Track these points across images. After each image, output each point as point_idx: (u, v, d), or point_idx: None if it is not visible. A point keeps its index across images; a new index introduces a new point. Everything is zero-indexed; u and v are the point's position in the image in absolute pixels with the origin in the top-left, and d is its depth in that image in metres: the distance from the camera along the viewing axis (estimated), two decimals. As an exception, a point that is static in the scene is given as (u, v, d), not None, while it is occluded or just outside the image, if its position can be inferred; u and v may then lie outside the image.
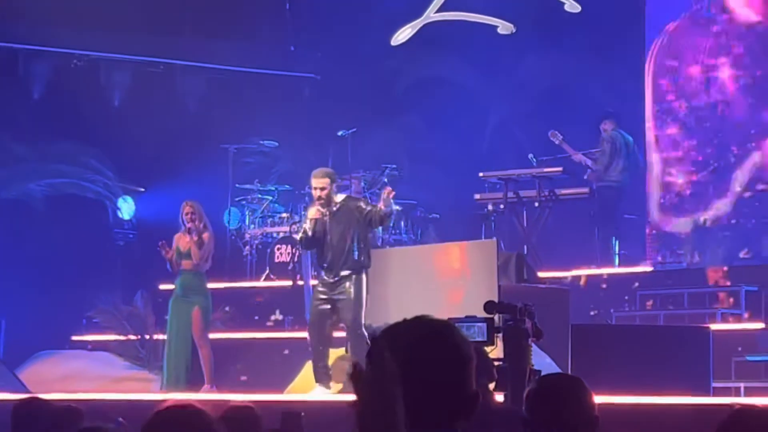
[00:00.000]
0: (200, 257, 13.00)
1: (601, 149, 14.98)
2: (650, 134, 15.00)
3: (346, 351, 12.14)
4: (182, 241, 13.04)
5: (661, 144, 14.85)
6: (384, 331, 2.87)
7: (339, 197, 12.06)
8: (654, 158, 14.90)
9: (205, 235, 13.07)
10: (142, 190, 17.22)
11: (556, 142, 15.15)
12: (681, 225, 14.51)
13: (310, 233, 11.95)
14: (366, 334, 11.72)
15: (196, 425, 3.34)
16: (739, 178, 14.02)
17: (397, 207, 15.19)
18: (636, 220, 15.11)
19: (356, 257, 11.82)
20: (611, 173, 14.84)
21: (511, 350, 7.49)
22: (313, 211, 12.09)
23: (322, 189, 11.92)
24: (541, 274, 13.33)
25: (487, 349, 7.47)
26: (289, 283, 14.99)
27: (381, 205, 11.75)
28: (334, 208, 11.91)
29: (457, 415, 2.80)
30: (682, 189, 14.57)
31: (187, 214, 13.06)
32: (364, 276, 11.85)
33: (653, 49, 15.05)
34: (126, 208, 17.22)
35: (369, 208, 11.85)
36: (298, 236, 12.30)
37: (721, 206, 14.16)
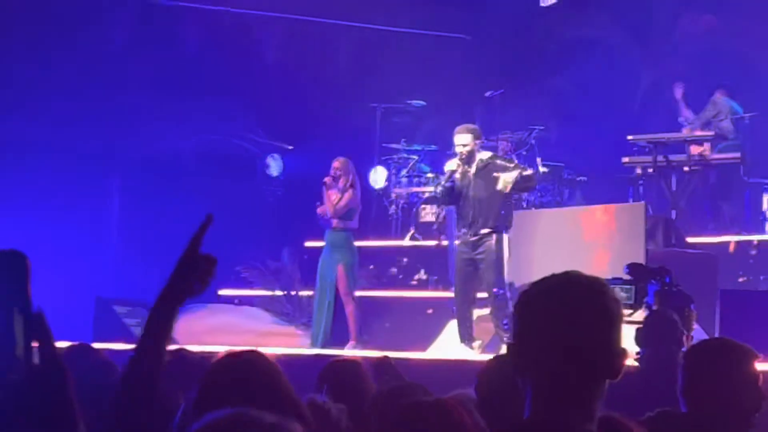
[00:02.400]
0: (334, 211, 13.11)
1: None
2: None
3: (491, 312, 12.13)
4: (330, 196, 13.20)
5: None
6: (534, 284, 2.86)
7: (484, 155, 12.01)
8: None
9: (347, 193, 13.16)
10: (291, 147, 17.39)
11: (677, 96, 14.97)
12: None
13: (446, 184, 11.95)
14: (508, 294, 11.71)
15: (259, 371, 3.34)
16: None
17: (544, 169, 15.10)
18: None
19: (498, 217, 11.78)
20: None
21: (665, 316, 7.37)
22: (450, 163, 12.09)
23: (464, 145, 11.90)
24: (689, 240, 13.14)
25: (626, 312, 7.41)
26: (434, 242, 15.04)
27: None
28: (478, 166, 11.87)
29: (601, 373, 2.78)
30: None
31: (333, 169, 13.21)
32: (505, 236, 11.81)
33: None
34: (275, 165, 17.40)
35: (515, 170, 11.78)
36: (437, 188, 12.29)
37: None
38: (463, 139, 11.92)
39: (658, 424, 4.10)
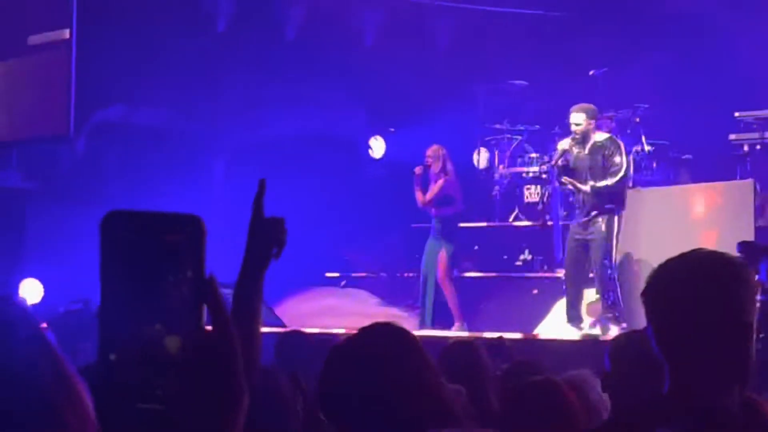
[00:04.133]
0: (428, 201, 13.25)
1: None
2: None
3: (598, 292, 12.07)
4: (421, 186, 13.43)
5: None
6: (670, 263, 2.86)
7: (601, 136, 11.92)
8: None
9: (440, 181, 13.25)
10: (393, 129, 17.41)
11: None
12: None
13: (558, 163, 11.91)
14: (616, 274, 11.65)
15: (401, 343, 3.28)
16: None
17: (649, 147, 14.96)
18: None
19: (609, 198, 11.72)
20: None
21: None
22: (563, 143, 12.05)
23: (577, 125, 11.84)
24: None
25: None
26: (538, 223, 14.99)
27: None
28: (593, 147, 11.79)
29: (742, 346, 2.78)
30: None
31: (428, 157, 13.34)
32: (615, 216, 11.75)
33: None
34: (377, 147, 17.45)
35: (613, 163, 11.71)
36: (547, 166, 12.29)
37: None
38: (577, 118, 11.86)
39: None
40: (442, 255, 13.23)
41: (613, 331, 11.62)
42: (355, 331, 3.26)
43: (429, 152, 13.44)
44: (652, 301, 2.84)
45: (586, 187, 11.75)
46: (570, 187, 12.02)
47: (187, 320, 1.62)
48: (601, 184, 11.69)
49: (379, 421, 2.92)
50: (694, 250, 2.88)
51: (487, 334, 10.52)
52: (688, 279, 2.79)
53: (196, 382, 1.58)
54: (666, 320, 2.80)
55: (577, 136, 11.84)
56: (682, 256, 2.85)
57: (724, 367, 2.78)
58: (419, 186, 13.45)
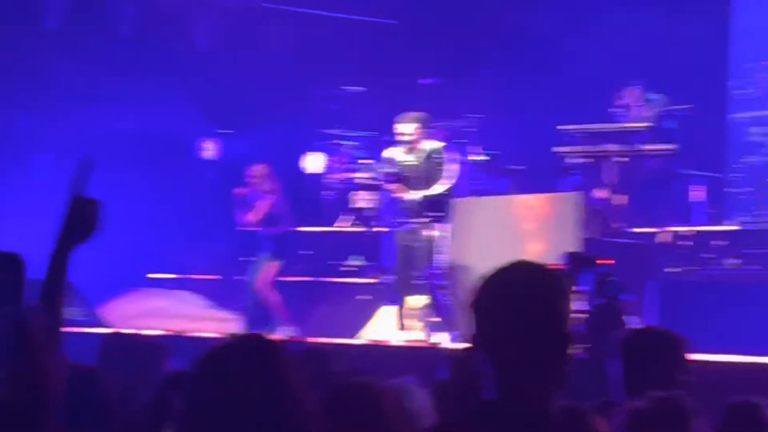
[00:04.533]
0: (252, 220, 13.26)
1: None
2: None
3: (426, 299, 12.15)
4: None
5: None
6: (488, 276, 2.95)
7: (432, 144, 11.99)
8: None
9: (266, 200, 13.25)
10: (229, 132, 17.29)
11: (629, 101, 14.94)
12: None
13: (389, 170, 11.97)
14: (444, 283, 11.76)
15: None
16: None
17: (482, 157, 15.13)
18: (722, 178, 14.91)
19: (438, 206, 11.81)
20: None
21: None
22: (389, 151, 12.08)
23: (409, 134, 11.89)
24: (622, 230, 13.23)
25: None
26: (368, 229, 15.03)
27: None
28: (423, 155, 11.87)
29: (556, 355, 2.87)
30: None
31: (251, 177, 13.32)
32: (444, 225, 11.85)
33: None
34: (211, 149, 17.30)
35: (443, 172, 11.83)
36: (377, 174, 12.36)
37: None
38: (407, 128, 11.92)
39: (604, 413, 4.15)
40: (269, 269, 13.27)
41: (441, 338, 11.72)
42: (219, 341, 3.16)
43: (253, 172, 13.38)
44: (477, 311, 2.95)
45: (417, 196, 11.82)
46: (400, 195, 12.09)
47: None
48: (432, 192, 11.78)
49: None
50: (516, 262, 2.99)
51: (318, 339, 10.54)
52: (510, 290, 2.90)
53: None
54: (489, 330, 2.91)
55: (407, 145, 11.91)
56: (505, 268, 2.96)
57: (544, 374, 2.89)
58: (241, 207, 13.43)
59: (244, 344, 3.05)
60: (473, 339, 2.96)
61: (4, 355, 2.85)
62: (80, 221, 3.19)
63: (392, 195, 12.61)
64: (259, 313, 13.28)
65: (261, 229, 13.44)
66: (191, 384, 2.96)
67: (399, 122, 12.05)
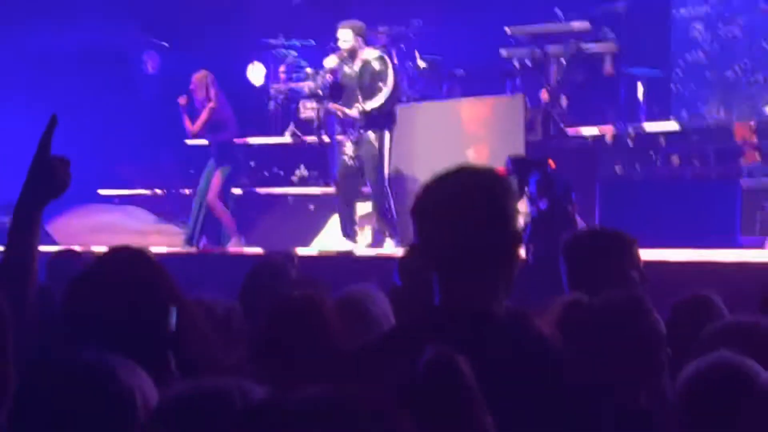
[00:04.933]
0: (194, 129, 13.21)
1: None
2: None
3: (373, 208, 12.20)
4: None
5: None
6: (430, 182, 2.94)
7: (370, 53, 11.95)
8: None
9: (205, 110, 13.18)
10: (167, 45, 17.13)
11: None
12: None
13: (327, 79, 11.93)
14: (389, 191, 11.79)
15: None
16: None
17: (423, 63, 15.09)
18: (662, 77, 14.96)
19: (378, 114, 11.80)
20: None
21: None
22: (329, 59, 12.04)
23: (345, 41, 11.86)
24: (567, 131, 13.30)
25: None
26: (314, 139, 15.02)
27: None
28: (361, 64, 11.84)
29: (503, 255, 2.88)
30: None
31: (190, 84, 13.24)
32: (387, 132, 11.86)
33: None
34: (151, 62, 17.16)
35: (380, 83, 11.78)
36: (317, 84, 12.32)
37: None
38: (344, 35, 11.88)
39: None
40: (216, 177, 13.17)
41: (388, 245, 11.79)
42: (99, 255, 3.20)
43: (193, 80, 13.30)
44: (420, 216, 2.94)
45: (354, 112, 11.81)
46: (339, 113, 12.07)
47: None
48: (369, 106, 11.75)
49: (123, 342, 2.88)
50: (459, 166, 2.97)
51: (257, 250, 10.56)
52: (455, 194, 2.89)
53: None
54: (434, 235, 2.90)
55: (344, 54, 11.87)
56: (448, 173, 2.94)
57: (491, 276, 2.89)
58: (187, 116, 13.34)
59: (117, 257, 3.15)
60: (416, 245, 2.97)
61: None
62: (48, 179, 3.16)
63: (331, 109, 12.55)
64: (207, 225, 13.24)
65: (206, 137, 13.39)
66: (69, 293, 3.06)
67: (338, 28, 12.02)
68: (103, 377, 2.33)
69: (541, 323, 3.21)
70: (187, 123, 13.31)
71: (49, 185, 3.16)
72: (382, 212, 11.82)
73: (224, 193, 13.21)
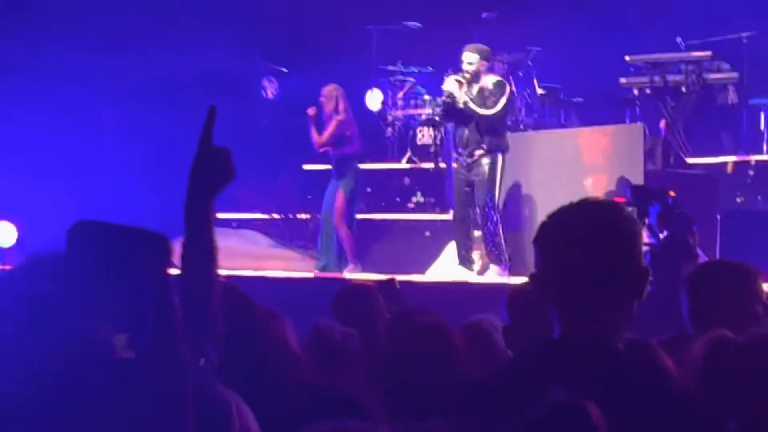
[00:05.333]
0: (322, 143, 13.23)
1: None
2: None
3: (481, 233, 12.13)
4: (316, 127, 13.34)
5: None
6: (552, 214, 2.92)
7: (491, 79, 11.91)
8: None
9: (333, 122, 13.21)
10: (285, 70, 17.29)
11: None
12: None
13: (446, 100, 11.91)
14: (498, 217, 11.72)
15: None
16: None
17: (541, 90, 15.04)
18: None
19: (493, 138, 11.75)
20: None
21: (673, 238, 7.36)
22: (448, 81, 11.99)
23: (470, 63, 11.83)
24: (687, 161, 13.14)
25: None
26: (431, 165, 15.02)
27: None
28: (480, 88, 11.79)
29: (629, 293, 2.84)
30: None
31: (321, 97, 13.28)
32: (499, 157, 11.78)
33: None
34: (270, 87, 17.32)
35: (492, 97, 11.73)
36: (435, 108, 12.28)
37: None
38: (470, 57, 11.84)
39: (673, 348, 4.12)
40: (339, 195, 13.19)
41: (492, 271, 11.72)
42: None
43: (323, 92, 13.38)
44: (543, 247, 2.90)
45: (469, 128, 11.73)
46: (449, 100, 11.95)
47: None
48: (483, 111, 11.65)
49: None
50: (584, 199, 2.95)
51: (381, 276, 10.55)
52: (579, 227, 2.86)
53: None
54: (557, 266, 2.86)
55: (467, 75, 11.82)
56: (573, 205, 2.91)
57: (614, 311, 2.86)
58: (315, 127, 13.38)
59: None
60: (537, 277, 2.93)
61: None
62: (215, 170, 3.16)
63: (448, 130, 12.49)
64: (331, 249, 13.25)
65: (330, 150, 13.39)
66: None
67: (464, 51, 11.99)
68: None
69: (663, 357, 3.17)
70: (314, 134, 13.33)
71: (216, 176, 3.17)
72: (489, 238, 11.76)
73: (348, 215, 13.21)
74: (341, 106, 13.29)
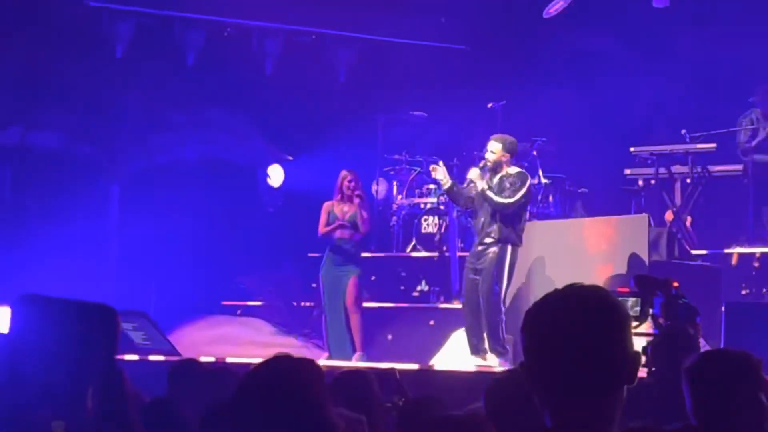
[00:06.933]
0: (366, 227, 13.17)
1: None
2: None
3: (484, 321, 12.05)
4: (339, 209, 13.18)
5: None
6: (539, 301, 2.85)
7: (513, 169, 11.93)
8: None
9: (354, 205, 13.19)
10: (291, 158, 17.37)
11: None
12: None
13: (464, 188, 11.94)
14: (502, 307, 11.66)
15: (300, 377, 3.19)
16: None
17: (546, 180, 15.08)
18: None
19: (504, 228, 11.74)
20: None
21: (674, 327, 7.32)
22: (472, 172, 12.03)
23: (492, 152, 11.86)
24: (692, 252, 13.12)
25: (632, 324, 7.37)
26: (435, 254, 15.02)
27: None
28: (499, 179, 11.81)
29: (619, 380, 2.78)
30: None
31: (350, 182, 13.20)
32: (509, 247, 11.76)
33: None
34: (275, 175, 17.39)
35: (511, 187, 11.74)
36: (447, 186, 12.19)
37: None
38: (493, 146, 11.88)
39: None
40: (351, 284, 13.10)
41: (491, 360, 11.65)
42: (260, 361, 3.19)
43: (350, 176, 13.27)
44: (528, 336, 2.81)
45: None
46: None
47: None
48: (499, 199, 11.65)
49: None
50: (570, 285, 2.84)
51: (383, 365, 10.50)
52: (561, 315, 2.77)
53: None
54: (541, 357, 2.78)
55: (488, 164, 11.86)
56: (558, 291, 2.82)
57: (604, 399, 2.76)
58: (328, 215, 13.27)
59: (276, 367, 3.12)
60: (525, 366, 2.83)
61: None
62: None
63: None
64: (342, 340, 13.14)
65: (346, 234, 13.21)
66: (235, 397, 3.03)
67: (490, 140, 12.03)
68: None
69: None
70: (360, 221, 13.15)
71: None
72: (491, 327, 11.70)
73: (358, 302, 13.12)
74: (363, 193, 13.35)
